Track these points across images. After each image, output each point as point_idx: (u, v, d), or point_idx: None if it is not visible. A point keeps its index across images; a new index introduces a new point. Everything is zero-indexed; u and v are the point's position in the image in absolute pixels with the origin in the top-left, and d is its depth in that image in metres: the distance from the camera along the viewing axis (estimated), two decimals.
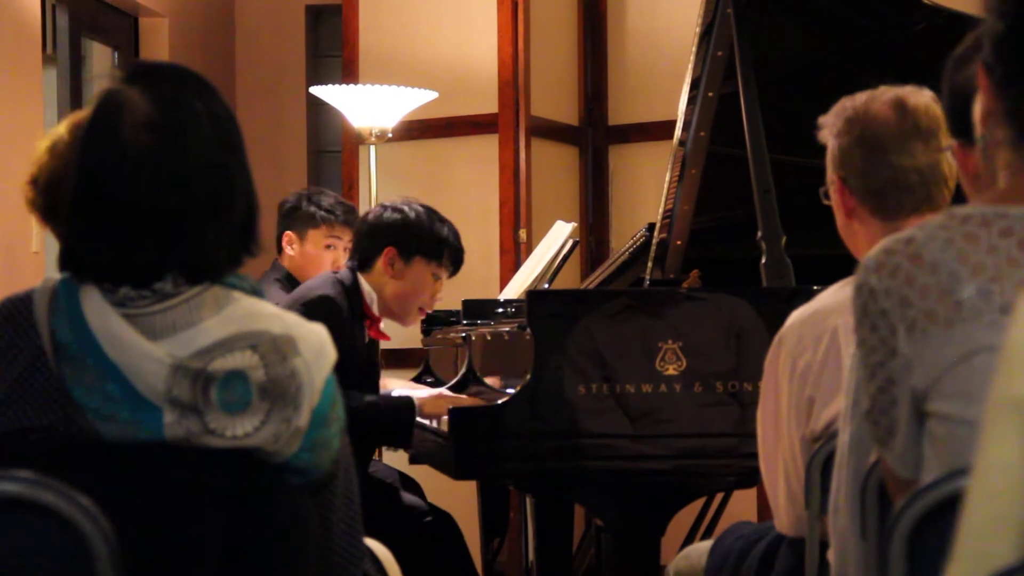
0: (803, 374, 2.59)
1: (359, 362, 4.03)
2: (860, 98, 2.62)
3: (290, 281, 4.82)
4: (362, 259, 4.12)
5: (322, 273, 4.23)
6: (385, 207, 4.17)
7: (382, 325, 4.16)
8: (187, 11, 6.99)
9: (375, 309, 4.09)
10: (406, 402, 3.99)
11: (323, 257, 4.92)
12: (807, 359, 2.58)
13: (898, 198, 2.57)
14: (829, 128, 2.64)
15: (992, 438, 1.26)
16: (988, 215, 1.66)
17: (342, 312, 3.94)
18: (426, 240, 4.09)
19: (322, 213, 4.96)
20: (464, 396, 4.16)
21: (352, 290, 4.05)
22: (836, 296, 2.57)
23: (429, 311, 4.25)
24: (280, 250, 4.99)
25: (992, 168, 1.72)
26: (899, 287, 1.68)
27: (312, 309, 3.82)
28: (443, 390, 4.31)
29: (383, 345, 5.62)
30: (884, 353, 1.70)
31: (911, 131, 2.57)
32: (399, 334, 5.71)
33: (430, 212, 4.14)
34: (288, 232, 4.96)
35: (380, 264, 4.08)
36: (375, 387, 4.21)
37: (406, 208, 4.12)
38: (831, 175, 2.64)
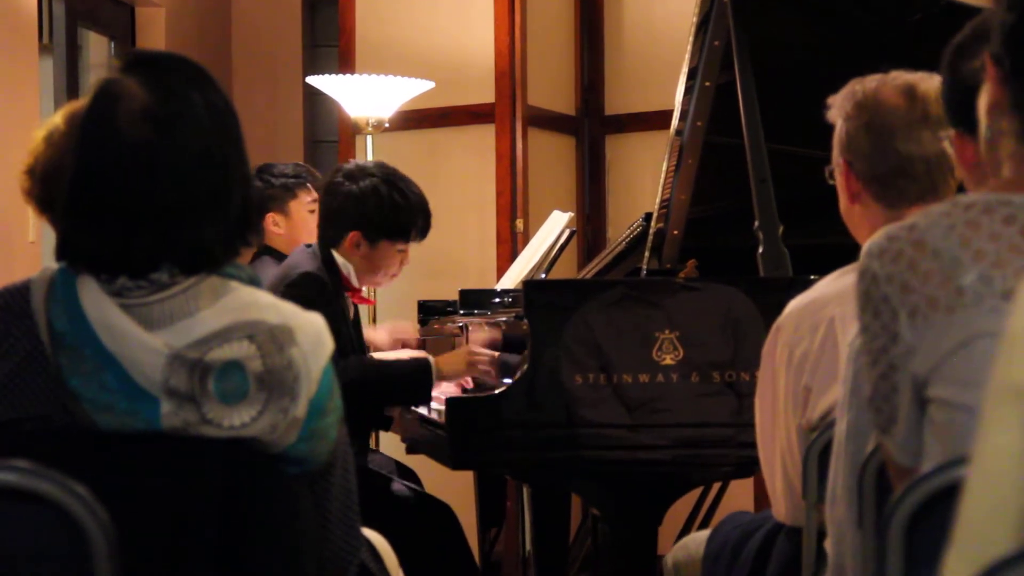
0: (800, 363, 2.58)
1: (350, 332, 4.02)
2: (871, 82, 2.61)
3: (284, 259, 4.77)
4: (330, 234, 4.07)
5: (298, 248, 4.18)
6: (352, 180, 4.04)
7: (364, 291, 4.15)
8: (183, 1, 6.98)
9: (353, 281, 4.06)
10: (423, 362, 3.96)
11: (310, 222, 4.88)
12: (804, 348, 2.58)
13: (902, 186, 2.56)
14: (838, 109, 2.62)
15: (992, 424, 1.26)
16: (991, 203, 1.66)
17: (327, 285, 3.91)
18: (389, 223, 4.02)
19: (293, 181, 4.94)
20: (482, 351, 4.09)
21: (329, 264, 4.01)
22: (833, 285, 2.57)
23: (396, 276, 4.20)
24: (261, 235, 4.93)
25: (996, 158, 1.72)
26: (901, 273, 1.68)
27: (296, 287, 3.80)
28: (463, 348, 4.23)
29: None
30: (886, 339, 1.70)
31: (920, 119, 2.56)
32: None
33: (392, 188, 4.02)
34: (269, 214, 4.91)
35: (346, 243, 4.04)
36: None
37: (367, 186, 4.02)
38: (837, 157, 2.63)
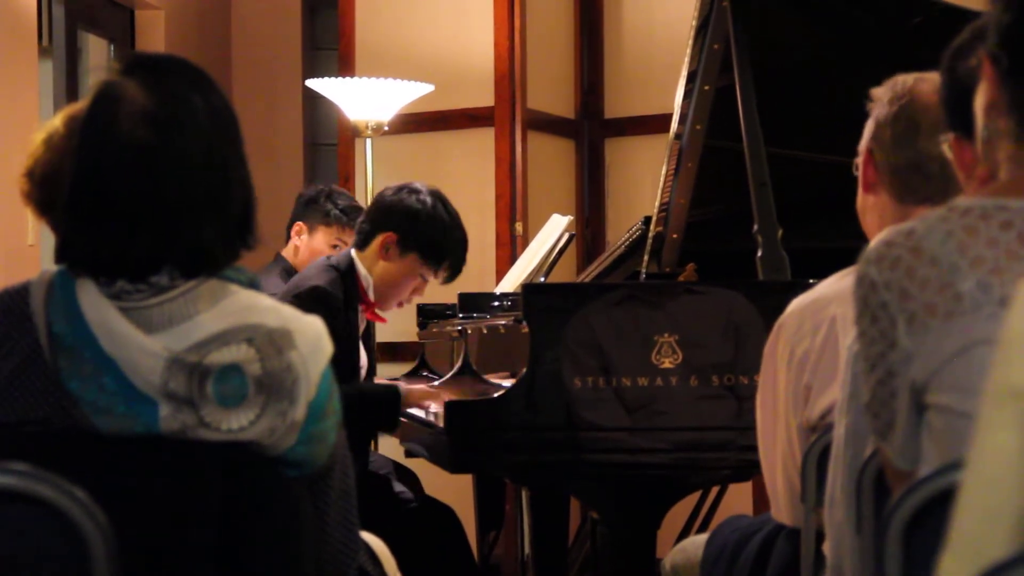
0: (801, 361, 2.59)
1: (354, 351, 4.02)
2: (913, 77, 2.61)
3: (291, 275, 4.80)
4: (364, 235, 4.08)
5: (317, 260, 4.20)
6: (411, 192, 4.06)
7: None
8: (183, 4, 6.98)
9: (371, 294, 4.06)
10: (392, 390, 3.97)
11: (323, 254, 4.92)
12: (805, 346, 2.58)
13: (915, 183, 2.56)
14: (878, 99, 2.62)
15: (989, 427, 1.26)
16: (988, 208, 1.66)
17: (335, 301, 3.90)
18: (430, 242, 4.02)
19: (336, 212, 4.97)
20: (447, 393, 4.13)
21: (347, 274, 4.01)
22: (836, 285, 2.57)
23: (404, 305, 4.21)
24: (287, 239, 5.01)
25: (994, 160, 1.72)
26: (899, 279, 1.68)
27: (303, 301, 3.79)
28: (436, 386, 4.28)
29: (378, 339, 5.62)
30: (884, 345, 1.70)
31: None
32: (394, 328, 5.72)
33: (452, 216, 4.04)
34: (300, 223, 4.97)
35: (376, 244, 4.04)
36: (372, 375, 4.19)
37: (430, 202, 4.03)
38: (863, 145, 2.63)
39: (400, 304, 4.15)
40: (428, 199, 4.02)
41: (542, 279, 4.57)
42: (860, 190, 2.64)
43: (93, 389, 1.87)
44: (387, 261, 4.03)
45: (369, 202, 4.25)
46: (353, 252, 4.08)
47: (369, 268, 4.05)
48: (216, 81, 1.99)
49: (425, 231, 4.01)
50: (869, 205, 2.62)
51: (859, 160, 2.63)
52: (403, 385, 4.03)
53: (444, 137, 6.23)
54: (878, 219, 2.54)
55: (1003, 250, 1.63)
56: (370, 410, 3.93)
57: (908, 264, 1.68)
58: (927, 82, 2.58)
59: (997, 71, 1.68)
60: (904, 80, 2.60)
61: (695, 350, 3.56)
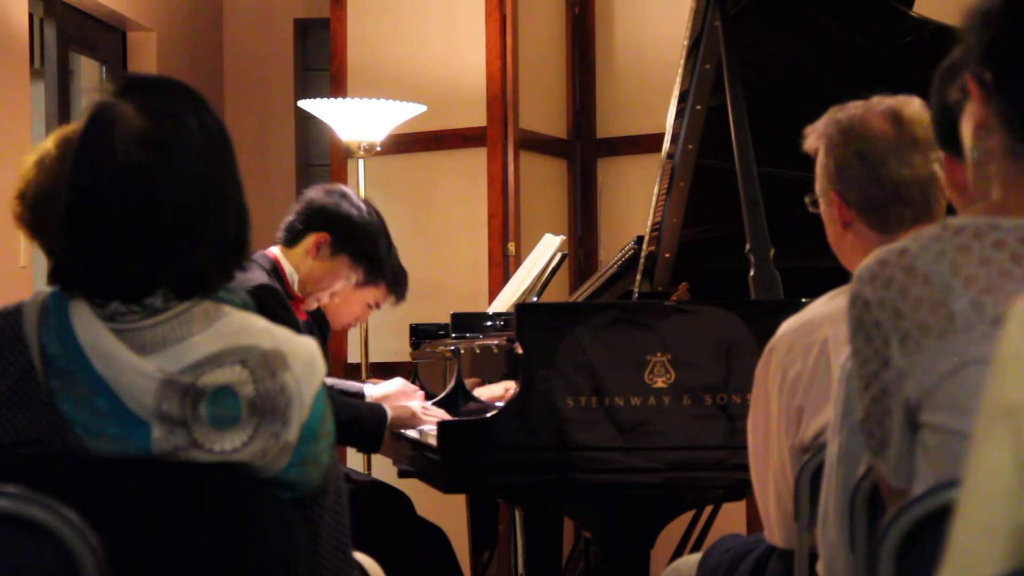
0: (793, 383, 2.58)
1: None
2: (853, 109, 2.61)
3: None
4: (294, 233, 4.09)
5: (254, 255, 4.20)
6: (343, 196, 4.12)
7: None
8: (175, 25, 6.98)
9: (296, 288, 4.07)
10: (380, 412, 3.98)
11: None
12: (797, 369, 2.58)
13: (898, 211, 2.56)
14: (819, 137, 2.62)
15: (984, 445, 1.27)
16: (981, 227, 1.66)
17: (280, 295, 3.92)
18: (363, 244, 4.07)
19: None
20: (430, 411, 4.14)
21: (272, 272, 4.02)
22: (827, 306, 2.57)
23: (356, 325, 4.28)
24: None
25: (986, 179, 1.72)
26: (893, 298, 1.68)
27: (254, 299, 3.80)
28: (424, 405, 4.27)
29: (371, 359, 5.62)
30: (878, 364, 1.70)
31: (909, 143, 2.56)
32: (387, 348, 5.72)
33: (384, 233, 4.12)
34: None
35: (308, 243, 4.06)
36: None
37: (364, 208, 4.10)
38: (825, 188, 2.62)
39: (349, 326, 4.21)
40: (363, 206, 4.08)
41: (535, 299, 4.57)
42: (834, 229, 2.63)
43: (86, 411, 1.86)
44: (317, 260, 4.06)
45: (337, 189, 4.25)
46: (278, 249, 4.09)
47: (296, 265, 4.06)
48: (210, 102, 1.99)
49: (358, 235, 4.06)
50: (849, 243, 2.62)
51: (822, 201, 2.63)
52: (390, 410, 4.02)
53: (436, 157, 6.23)
54: (863, 255, 2.53)
55: (996, 269, 1.64)
56: (353, 428, 3.93)
57: (901, 283, 1.68)
58: (873, 111, 2.58)
59: (982, 89, 1.68)
60: (848, 115, 2.60)
61: (688, 369, 3.56)
